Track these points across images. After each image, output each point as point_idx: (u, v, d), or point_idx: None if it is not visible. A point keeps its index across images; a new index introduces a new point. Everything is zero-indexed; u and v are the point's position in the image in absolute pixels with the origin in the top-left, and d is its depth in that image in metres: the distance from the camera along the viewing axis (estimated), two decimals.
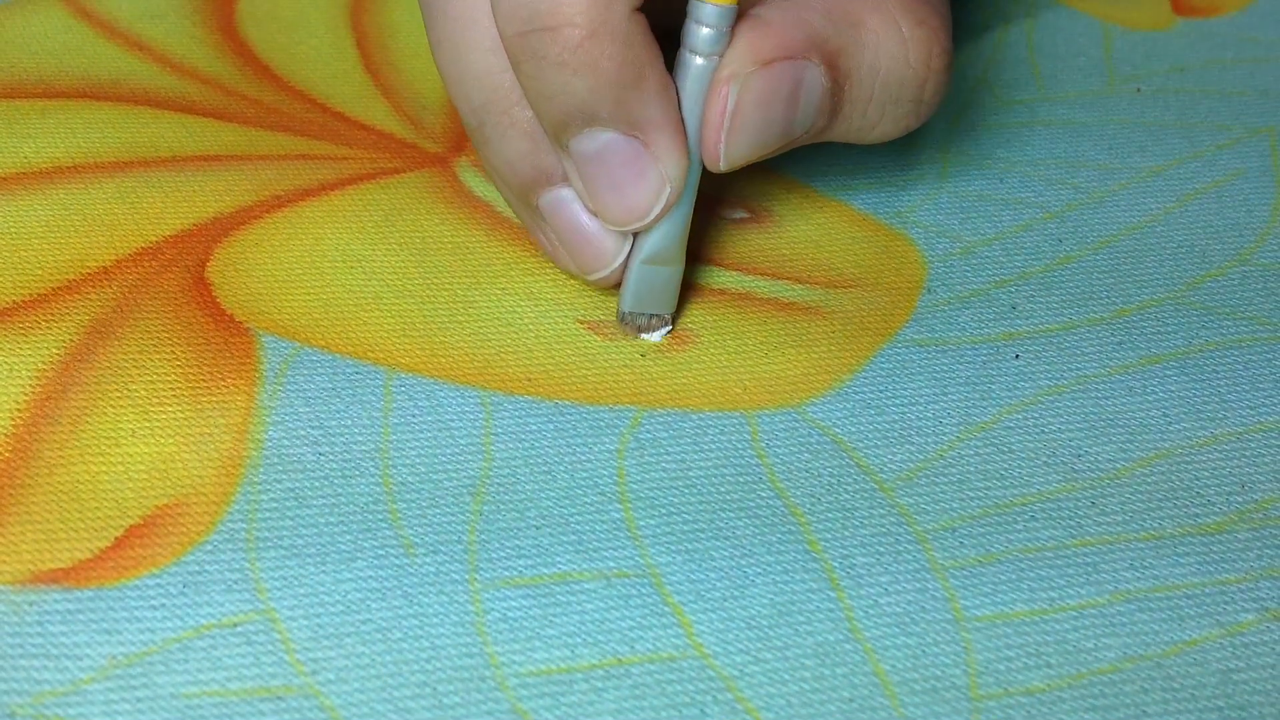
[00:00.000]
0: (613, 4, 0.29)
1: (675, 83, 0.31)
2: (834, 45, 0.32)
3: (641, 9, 0.30)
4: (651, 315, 0.34)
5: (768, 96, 0.31)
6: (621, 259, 0.33)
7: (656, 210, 0.32)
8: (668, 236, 0.32)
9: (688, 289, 0.35)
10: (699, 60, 0.31)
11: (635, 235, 0.33)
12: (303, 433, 0.31)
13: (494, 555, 0.29)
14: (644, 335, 0.34)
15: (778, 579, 0.30)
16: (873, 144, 0.34)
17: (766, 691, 0.28)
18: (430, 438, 0.31)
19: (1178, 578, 0.30)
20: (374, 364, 0.33)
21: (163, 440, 0.31)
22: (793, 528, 0.30)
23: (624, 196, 0.31)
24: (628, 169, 0.31)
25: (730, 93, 0.31)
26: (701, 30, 0.31)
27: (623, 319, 0.34)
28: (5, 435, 0.31)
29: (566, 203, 0.32)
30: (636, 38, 0.30)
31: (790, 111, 0.32)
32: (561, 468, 0.31)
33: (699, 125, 0.31)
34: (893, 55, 0.33)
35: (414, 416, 0.32)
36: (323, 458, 0.31)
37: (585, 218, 0.32)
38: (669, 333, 0.34)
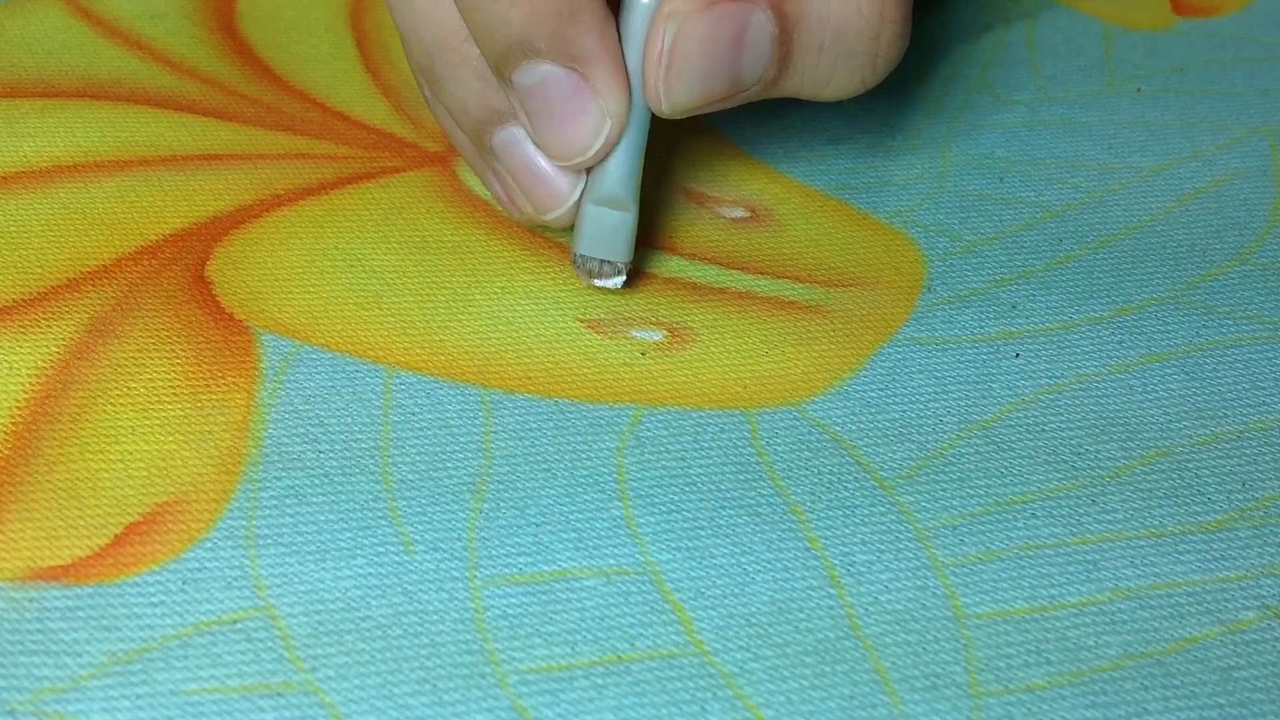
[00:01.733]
0: None
1: (620, 22, 0.31)
2: None
3: None
4: (603, 261, 0.34)
5: (709, 39, 0.31)
6: (574, 199, 0.33)
7: (597, 145, 0.32)
8: (616, 178, 0.32)
9: (689, 289, 0.35)
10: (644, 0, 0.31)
11: (588, 174, 0.33)
12: (302, 430, 0.31)
13: (494, 552, 0.29)
14: (598, 281, 0.34)
15: (778, 576, 0.30)
16: (830, 101, 0.34)
17: (767, 689, 0.28)
18: (430, 435, 0.31)
19: (1178, 575, 0.30)
20: (374, 362, 0.33)
21: (163, 438, 0.31)
22: (793, 525, 0.30)
23: (564, 130, 0.32)
24: (568, 102, 0.31)
25: (668, 32, 0.31)
26: None
27: (575, 262, 0.34)
28: (5, 433, 0.31)
29: (519, 142, 0.33)
30: None
31: (735, 57, 0.31)
32: (561, 465, 0.31)
33: (642, 65, 0.31)
34: (844, 3, 0.32)
35: (414, 414, 0.32)
36: (322, 455, 0.31)
37: (538, 157, 0.32)
38: (624, 284, 0.34)
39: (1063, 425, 0.33)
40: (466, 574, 0.29)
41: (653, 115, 0.32)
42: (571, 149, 0.32)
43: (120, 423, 0.31)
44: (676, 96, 0.32)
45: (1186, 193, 0.39)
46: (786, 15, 0.32)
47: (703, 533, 0.30)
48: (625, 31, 0.31)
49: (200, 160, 0.37)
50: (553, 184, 0.33)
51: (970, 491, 0.31)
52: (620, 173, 0.32)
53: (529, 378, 0.33)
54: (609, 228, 0.33)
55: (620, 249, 0.34)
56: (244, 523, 0.30)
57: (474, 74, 0.32)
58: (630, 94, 0.32)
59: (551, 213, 0.33)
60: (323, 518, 0.30)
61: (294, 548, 0.29)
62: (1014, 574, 0.30)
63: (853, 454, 0.32)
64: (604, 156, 0.32)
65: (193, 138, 0.38)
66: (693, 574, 0.29)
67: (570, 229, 0.34)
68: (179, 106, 0.39)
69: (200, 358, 0.32)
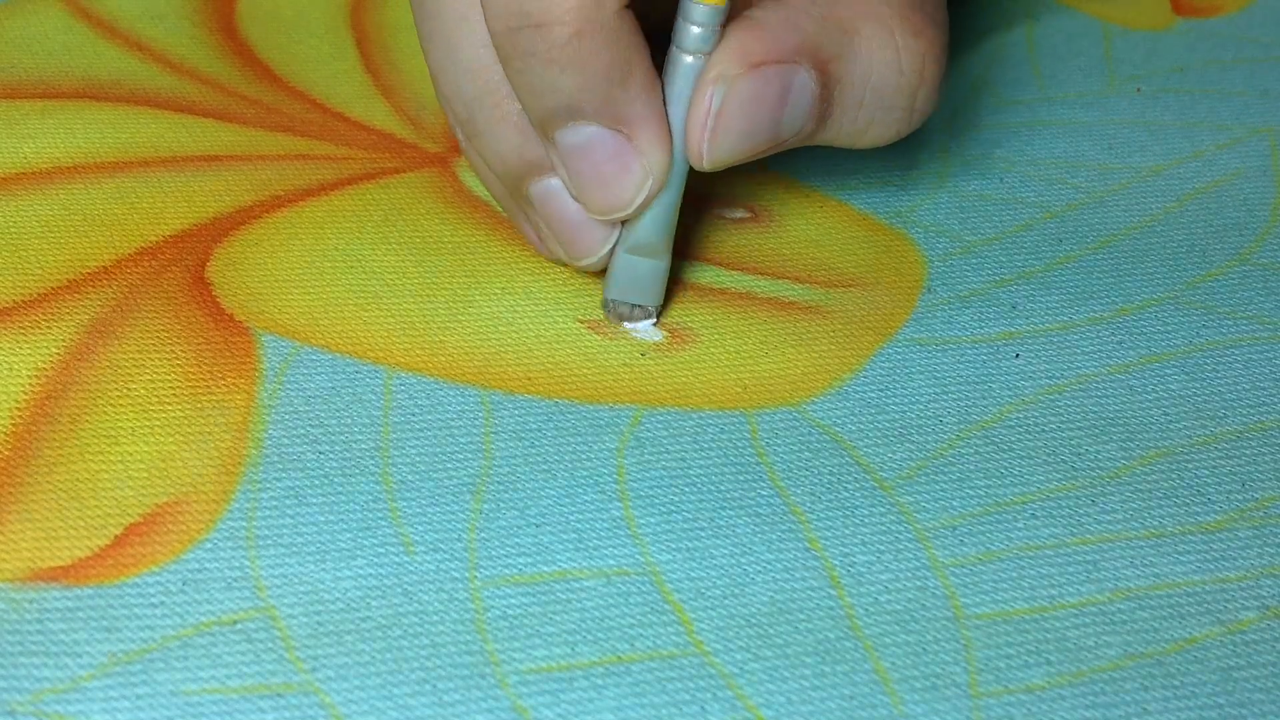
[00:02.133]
0: (602, 1, 0.30)
1: (664, 80, 0.31)
2: (826, 51, 0.32)
3: (630, 6, 0.30)
4: (634, 305, 0.34)
5: (753, 100, 0.31)
6: (610, 246, 0.33)
7: (638, 201, 0.32)
8: (651, 229, 0.32)
9: (689, 289, 0.35)
10: (688, 59, 0.31)
11: (623, 223, 0.33)
12: (302, 431, 0.31)
13: (494, 553, 0.29)
14: (628, 325, 0.34)
15: (778, 577, 0.30)
16: (863, 148, 0.34)
17: (766, 689, 0.28)
18: (430, 436, 0.31)
19: (1178, 575, 0.30)
20: (374, 363, 0.33)
21: (163, 439, 0.31)
22: (793, 526, 0.30)
23: (607, 188, 0.32)
24: (611, 162, 0.31)
25: (715, 94, 0.31)
26: (691, 29, 0.31)
27: (606, 306, 0.34)
28: (5, 434, 0.31)
29: (556, 193, 0.33)
30: (624, 35, 0.30)
31: (777, 116, 0.32)
32: (561, 466, 0.31)
33: (685, 123, 0.31)
34: (885, 63, 0.33)
35: (414, 415, 0.32)
36: (322, 456, 0.31)
37: (574, 207, 0.33)
38: (654, 325, 0.34)
39: (1063, 425, 0.33)
40: (466, 574, 0.29)
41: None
42: (613, 206, 0.32)
43: (120, 424, 0.31)
44: (719, 155, 0.32)
45: (1186, 193, 0.39)
46: (829, 74, 0.32)
47: (703, 533, 0.30)
48: (668, 89, 0.31)
49: (200, 161, 0.37)
50: (589, 233, 0.33)
51: (970, 492, 0.31)
52: (656, 223, 0.33)
53: (529, 378, 0.33)
54: (642, 274, 0.33)
55: (652, 294, 0.34)
56: (244, 523, 0.30)
57: (514, 128, 0.32)
58: (672, 152, 0.32)
59: (586, 260, 0.33)
60: (323, 518, 0.30)
61: (294, 548, 0.29)
62: (1014, 574, 0.30)
63: (852, 454, 0.32)
64: (643, 210, 0.32)
65: (193, 139, 0.38)
66: (693, 574, 0.29)
67: (602, 272, 0.34)
68: (179, 107, 0.39)
69: (200, 359, 0.32)
